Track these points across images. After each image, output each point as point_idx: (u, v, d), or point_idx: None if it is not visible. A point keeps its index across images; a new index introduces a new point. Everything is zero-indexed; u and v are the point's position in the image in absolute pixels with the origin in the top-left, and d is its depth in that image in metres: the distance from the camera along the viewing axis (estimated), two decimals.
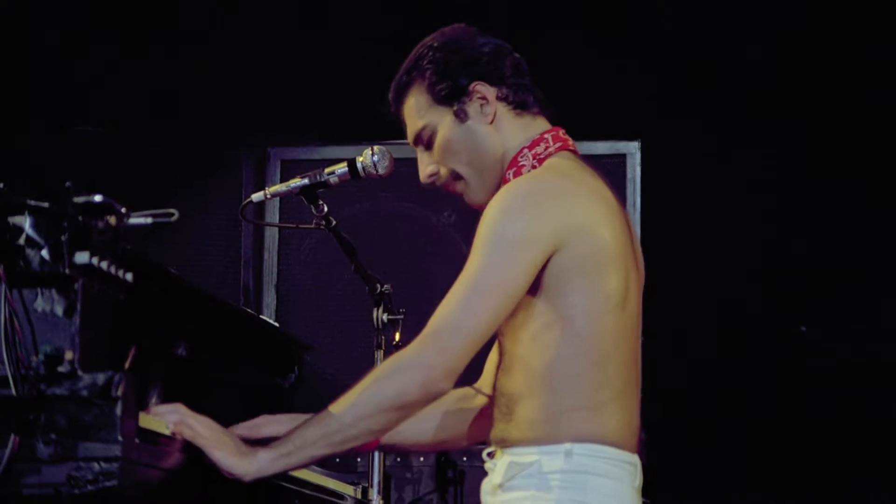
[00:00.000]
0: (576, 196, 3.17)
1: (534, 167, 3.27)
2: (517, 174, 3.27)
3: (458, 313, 3.06)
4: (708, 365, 6.53)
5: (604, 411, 3.13)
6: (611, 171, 5.91)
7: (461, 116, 3.31)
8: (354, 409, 3.04)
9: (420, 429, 3.45)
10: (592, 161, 5.86)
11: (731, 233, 6.56)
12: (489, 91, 3.31)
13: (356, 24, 6.20)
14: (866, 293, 6.52)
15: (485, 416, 3.37)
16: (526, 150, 3.29)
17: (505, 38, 3.41)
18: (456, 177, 3.36)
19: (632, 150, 5.93)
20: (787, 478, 6.56)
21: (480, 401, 3.47)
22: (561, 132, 3.35)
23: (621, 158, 5.93)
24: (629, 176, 5.90)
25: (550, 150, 3.30)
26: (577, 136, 5.89)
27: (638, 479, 3.19)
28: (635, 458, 3.19)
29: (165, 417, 3.01)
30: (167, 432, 2.96)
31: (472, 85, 3.31)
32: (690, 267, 6.51)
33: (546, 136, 3.32)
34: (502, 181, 3.29)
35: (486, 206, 3.21)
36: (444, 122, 3.32)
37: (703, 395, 6.52)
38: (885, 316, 6.48)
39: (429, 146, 3.36)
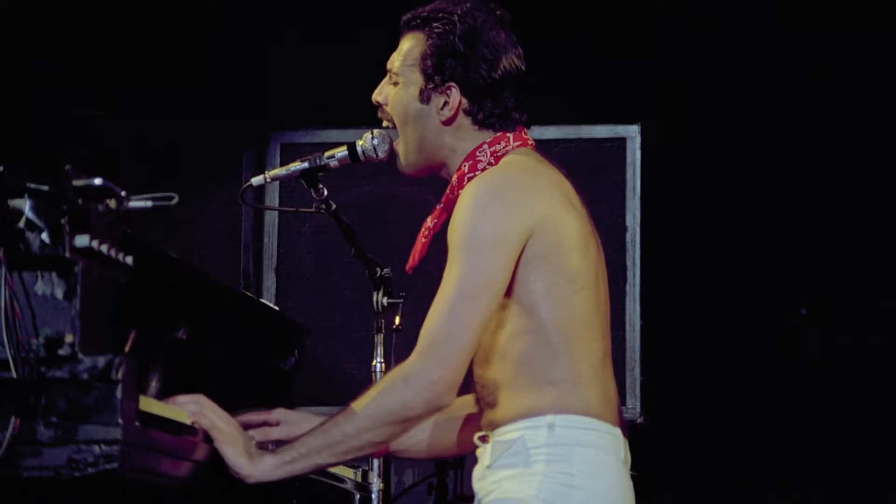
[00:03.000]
0: (538, 188, 3.22)
1: (490, 164, 3.32)
2: (473, 168, 3.32)
3: (451, 323, 3.10)
4: (707, 348, 6.53)
5: (581, 384, 3.16)
6: (611, 154, 5.91)
7: (423, 97, 3.36)
8: (358, 422, 3.11)
9: (425, 438, 3.47)
10: (592, 145, 5.97)
11: (730, 216, 6.57)
12: (457, 99, 3.34)
13: (356, 7, 6.19)
14: (866, 280, 6.52)
15: None
16: (486, 146, 3.34)
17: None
18: (394, 124, 3.44)
19: (632, 133, 5.92)
20: (786, 467, 6.57)
21: None
22: (523, 132, 3.38)
23: (621, 142, 5.92)
24: (629, 160, 5.89)
25: (509, 147, 3.34)
26: (578, 119, 5.95)
27: (623, 452, 3.21)
28: (617, 431, 3.20)
29: (186, 407, 3.05)
30: (179, 419, 2.97)
31: (448, 84, 3.34)
32: (690, 250, 6.52)
33: (508, 135, 3.36)
34: (458, 173, 3.34)
35: (408, 175, 3.42)
36: (410, 88, 3.38)
37: (702, 376, 6.53)
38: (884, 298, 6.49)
39: (393, 84, 3.42)
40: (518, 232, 3.14)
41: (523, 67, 3.37)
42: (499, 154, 3.32)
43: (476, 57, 3.32)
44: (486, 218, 3.15)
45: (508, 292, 3.16)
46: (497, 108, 3.34)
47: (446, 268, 3.17)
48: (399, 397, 3.10)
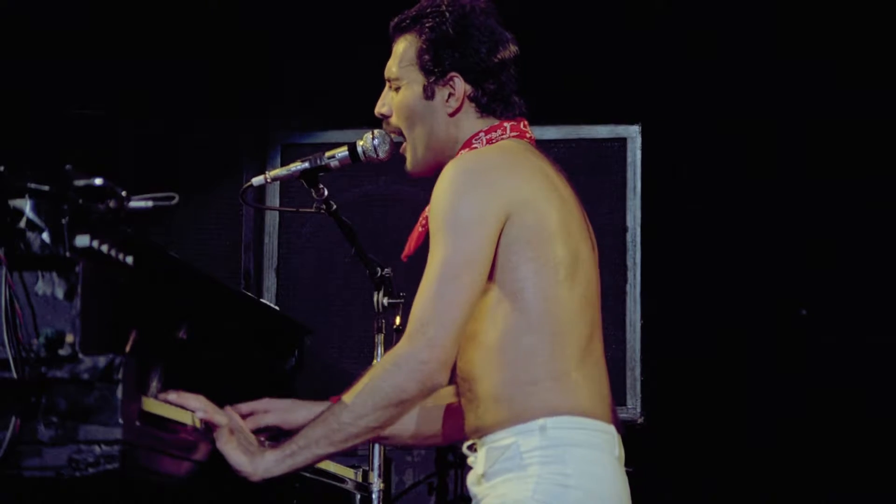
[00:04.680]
0: (518, 170, 3.23)
1: None
2: None
3: (436, 304, 3.11)
4: (707, 348, 6.53)
5: (569, 382, 3.15)
6: (611, 154, 5.91)
7: (428, 93, 3.37)
8: (354, 409, 3.11)
9: (413, 425, 3.47)
10: (592, 145, 5.97)
11: (730, 216, 6.57)
12: (462, 87, 3.35)
13: (357, 7, 6.19)
14: (866, 280, 6.52)
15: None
16: (482, 134, 3.35)
17: (506, 20, 3.41)
18: (401, 134, 3.44)
19: (632, 133, 5.93)
20: (785, 466, 6.57)
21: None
22: (522, 124, 3.39)
23: (622, 142, 5.93)
24: (629, 160, 5.90)
25: (505, 136, 3.35)
26: (579, 120, 5.96)
27: (617, 449, 3.20)
28: (611, 428, 3.20)
29: (188, 403, 3.05)
30: (179, 419, 2.97)
31: (451, 74, 3.35)
32: (690, 250, 6.52)
33: (505, 124, 3.37)
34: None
35: (416, 176, 3.42)
36: (413, 87, 3.38)
37: (702, 376, 6.53)
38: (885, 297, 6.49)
39: (395, 90, 3.42)
40: (496, 211, 3.14)
41: (517, 48, 3.40)
42: (493, 140, 3.33)
43: (472, 42, 3.34)
44: (464, 198, 3.15)
45: (492, 279, 3.15)
46: (499, 91, 3.36)
47: (430, 250, 3.18)
48: (391, 381, 3.10)
